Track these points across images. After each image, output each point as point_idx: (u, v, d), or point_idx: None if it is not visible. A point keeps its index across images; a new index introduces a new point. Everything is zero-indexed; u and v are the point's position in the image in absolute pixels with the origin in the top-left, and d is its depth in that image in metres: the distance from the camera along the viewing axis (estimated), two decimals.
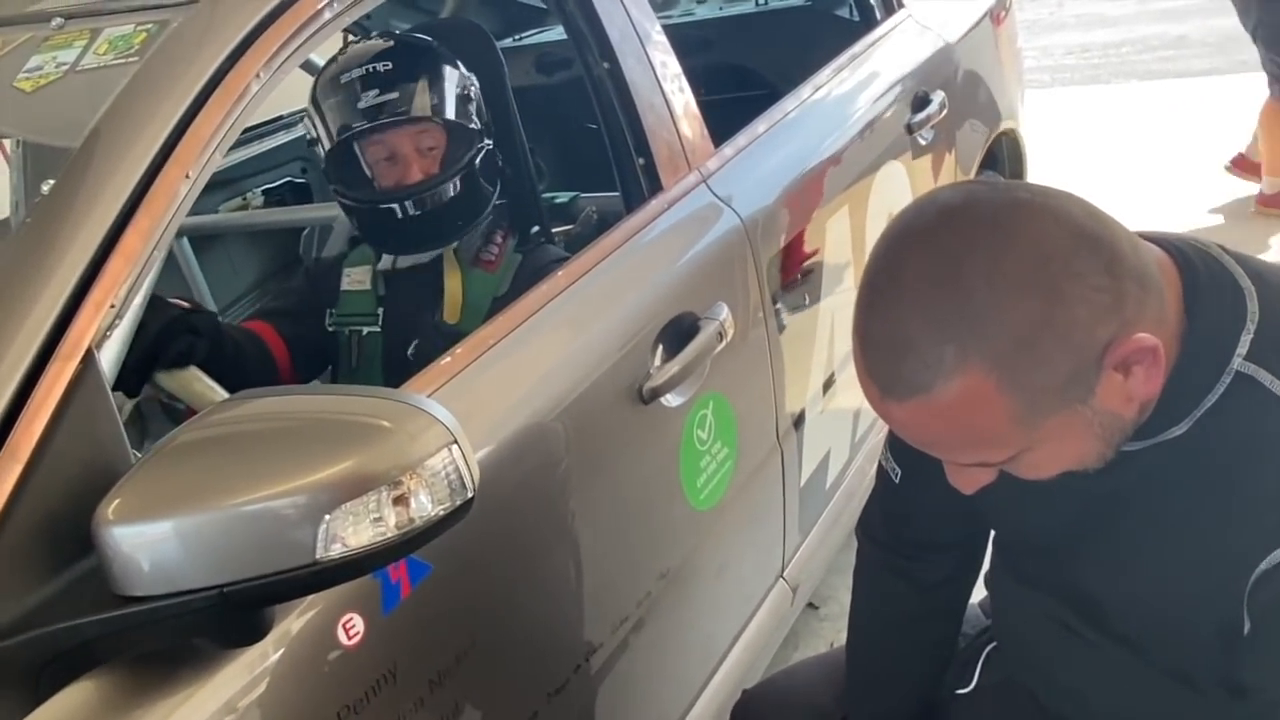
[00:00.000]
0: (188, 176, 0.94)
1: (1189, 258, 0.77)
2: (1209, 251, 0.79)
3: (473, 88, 1.51)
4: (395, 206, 1.43)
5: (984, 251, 0.69)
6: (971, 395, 0.70)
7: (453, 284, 1.52)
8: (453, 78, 1.48)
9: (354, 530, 0.73)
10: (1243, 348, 0.75)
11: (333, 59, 1.51)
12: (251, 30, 1.05)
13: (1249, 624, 0.76)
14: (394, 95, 1.42)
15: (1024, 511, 0.84)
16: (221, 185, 2.30)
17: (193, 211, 2.19)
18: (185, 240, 2.16)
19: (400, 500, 0.74)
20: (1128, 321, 0.70)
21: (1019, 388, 0.70)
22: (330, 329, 1.59)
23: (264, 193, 2.35)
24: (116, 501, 0.75)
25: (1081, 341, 0.69)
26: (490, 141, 1.51)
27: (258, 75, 1.03)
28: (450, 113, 1.46)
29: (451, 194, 1.45)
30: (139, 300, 0.91)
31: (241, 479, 0.73)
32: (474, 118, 1.49)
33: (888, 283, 0.72)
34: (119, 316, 0.87)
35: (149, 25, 1.05)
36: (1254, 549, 0.74)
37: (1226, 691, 0.81)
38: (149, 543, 0.74)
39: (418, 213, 1.44)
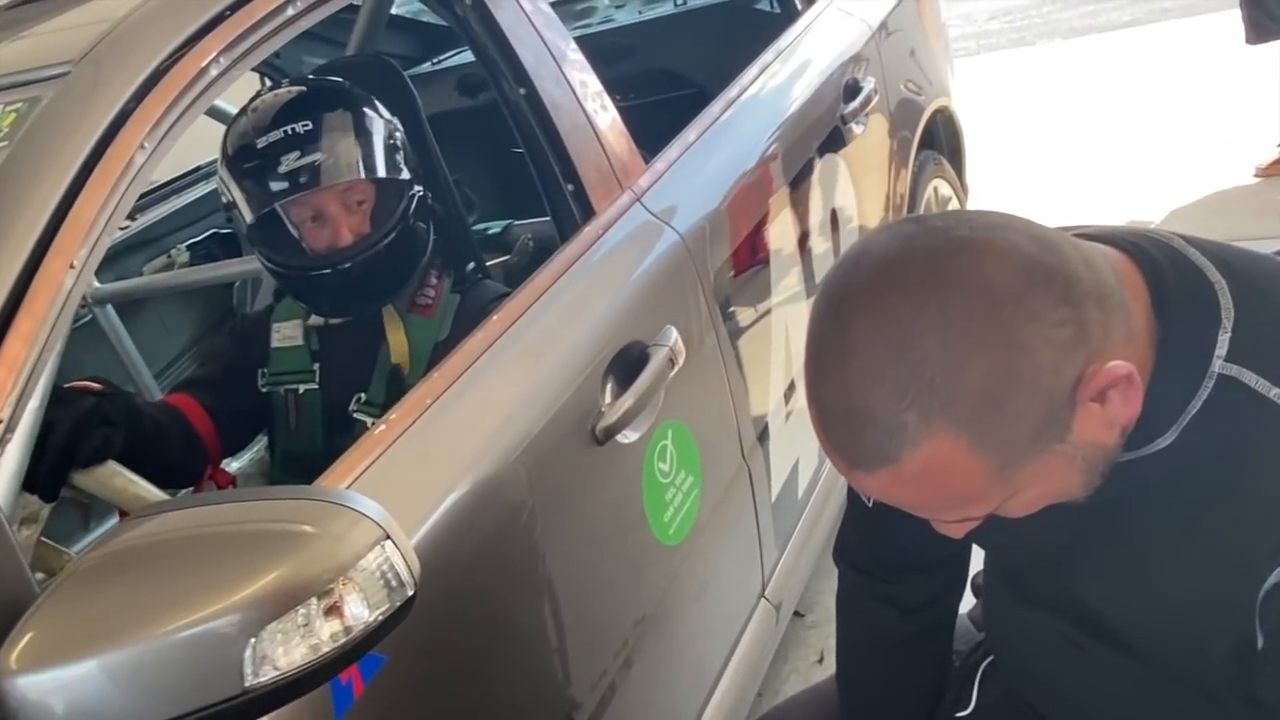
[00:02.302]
0: (73, 266, 0.86)
1: (1151, 256, 0.73)
2: (1171, 244, 0.74)
3: (398, 133, 1.42)
4: (328, 272, 1.35)
5: (931, 307, 0.64)
6: (942, 459, 0.65)
7: (396, 335, 1.44)
8: (377, 127, 1.39)
9: (284, 650, 0.67)
10: (1221, 349, 0.71)
11: (243, 111, 1.42)
12: (131, 97, 0.97)
13: (1262, 639, 0.71)
14: (317, 156, 1.32)
15: (1015, 532, 0.79)
16: (144, 245, 2.21)
17: (115, 275, 2.12)
18: (110, 307, 2.06)
19: (333, 610, 0.68)
20: (1095, 351, 0.66)
21: (990, 444, 0.65)
22: (264, 389, 1.51)
23: (189, 248, 2.26)
24: (19, 646, 0.67)
25: (1050, 385, 0.65)
26: (420, 187, 1.43)
27: (142, 146, 0.96)
28: (380, 168, 1.37)
29: (386, 251, 1.36)
30: (34, 406, 0.84)
31: (151, 607, 0.66)
32: (402, 166, 1.40)
33: (836, 349, 0.67)
34: (9, 431, 0.79)
35: (18, 104, 0.97)
36: (1261, 560, 0.70)
37: (1245, 701, 0.77)
38: (60, 688, 0.67)
39: (351, 276, 1.35)
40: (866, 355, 0.65)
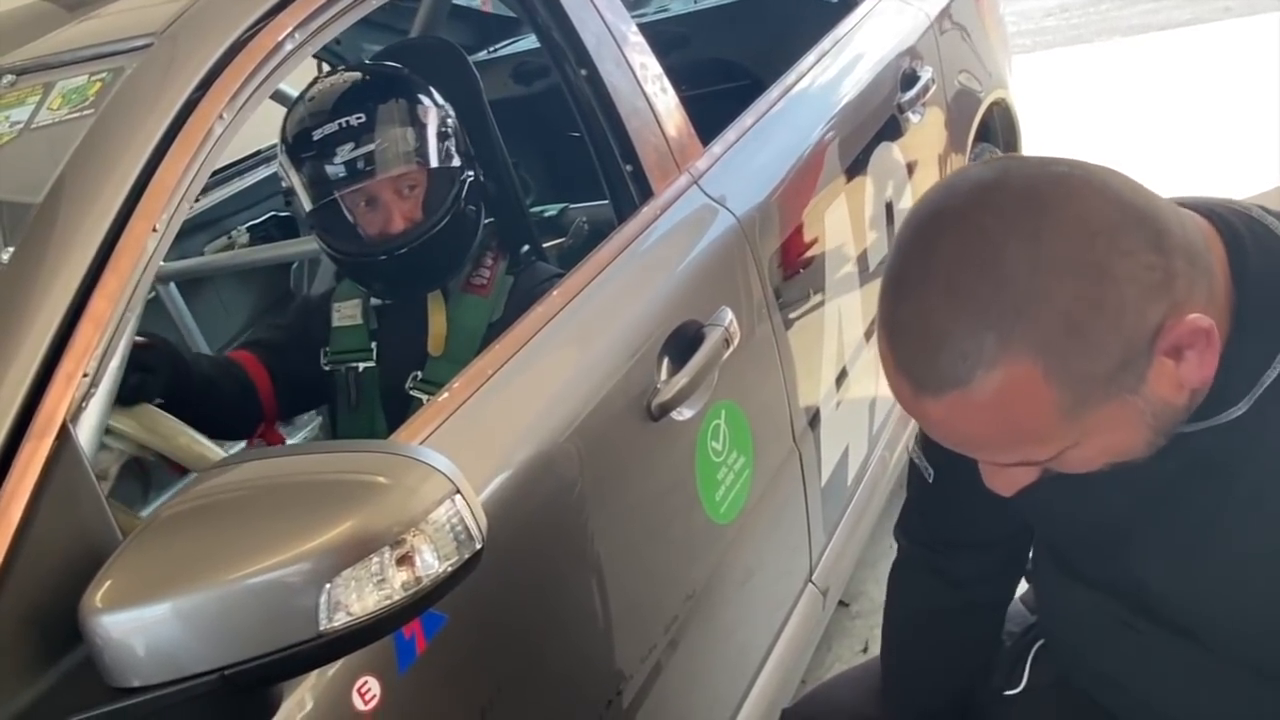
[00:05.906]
0: (155, 230, 0.89)
1: (1232, 225, 0.72)
2: (1251, 214, 0.73)
3: (450, 119, 1.44)
4: (382, 257, 1.39)
5: (1025, 230, 0.63)
6: (1015, 387, 0.64)
7: (437, 318, 1.47)
8: (430, 115, 1.41)
9: (358, 596, 0.69)
10: None
11: (300, 99, 1.44)
12: (211, 69, 1.00)
13: None
14: (369, 148, 1.35)
15: (1071, 505, 0.78)
16: (205, 225, 2.26)
17: (178, 255, 2.18)
18: (173, 285, 2.12)
19: (404, 560, 0.69)
20: (1179, 302, 0.65)
21: (1066, 376, 0.64)
22: (326, 368, 1.55)
23: (249, 229, 2.31)
24: (104, 587, 0.70)
25: (1132, 324, 0.64)
26: (473, 172, 1.45)
27: (221, 116, 0.98)
28: (431, 157, 1.39)
29: (437, 237, 1.39)
30: (115, 364, 0.87)
31: (232, 552, 0.69)
32: (454, 154, 1.42)
33: (918, 268, 0.66)
34: (94, 386, 0.82)
35: (103, 74, 1.00)
36: None
37: None
38: (141, 628, 0.69)
39: (404, 260, 1.38)
40: (950, 274, 0.64)
